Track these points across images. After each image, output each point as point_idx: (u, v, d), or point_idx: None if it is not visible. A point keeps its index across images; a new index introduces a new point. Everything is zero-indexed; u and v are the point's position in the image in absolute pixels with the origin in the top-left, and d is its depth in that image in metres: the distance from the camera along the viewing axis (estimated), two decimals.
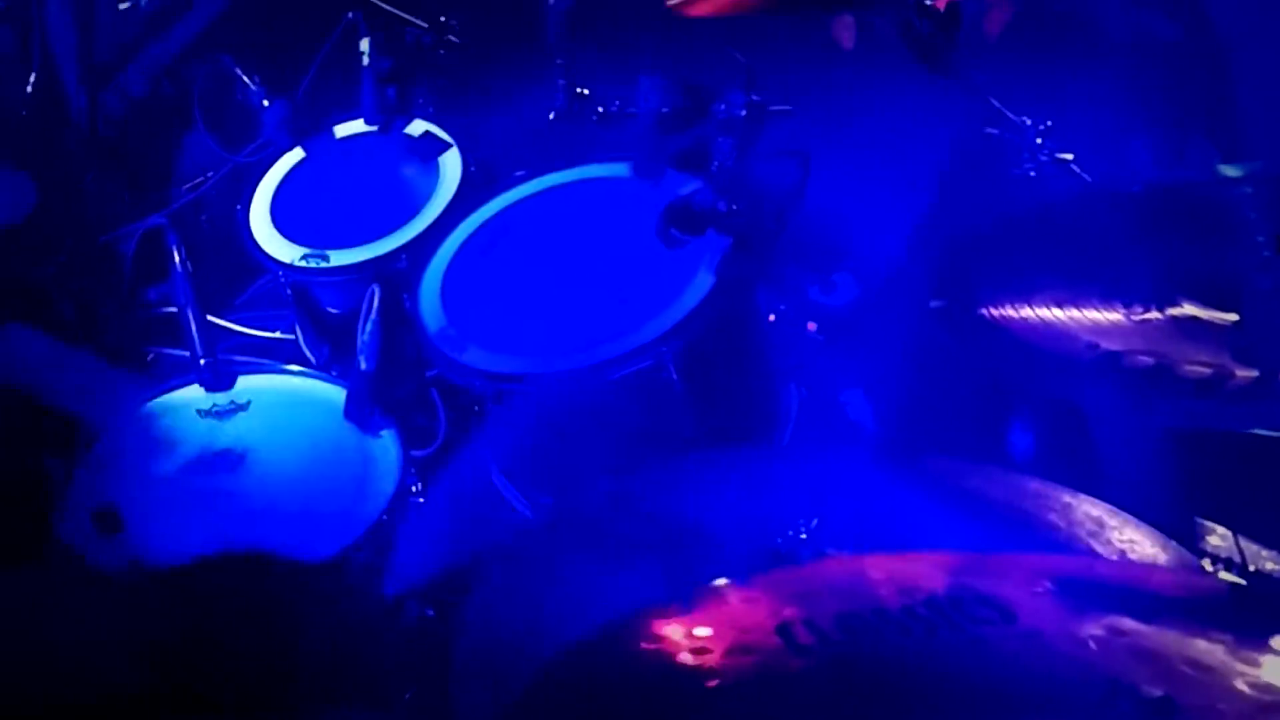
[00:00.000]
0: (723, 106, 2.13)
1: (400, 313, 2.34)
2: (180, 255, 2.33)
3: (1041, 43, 2.61)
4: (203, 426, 2.27)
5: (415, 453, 2.28)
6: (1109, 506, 1.58)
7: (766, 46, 2.15)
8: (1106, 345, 1.47)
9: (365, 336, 2.26)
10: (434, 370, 2.35)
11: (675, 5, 1.97)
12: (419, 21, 2.88)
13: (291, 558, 1.97)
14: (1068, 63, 2.52)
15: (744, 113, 2.10)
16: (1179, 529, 1.49)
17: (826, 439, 2.39)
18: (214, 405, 2.31)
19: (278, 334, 2.81)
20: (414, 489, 2.20)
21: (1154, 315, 1.56)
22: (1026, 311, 1.56)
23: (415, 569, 2.09)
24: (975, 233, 1.72)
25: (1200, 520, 1.66)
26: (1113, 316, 1.56)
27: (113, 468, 2.18)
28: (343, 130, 2.79)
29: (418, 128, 2.76)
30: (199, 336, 2.35)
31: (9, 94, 2.89)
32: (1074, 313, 1.55)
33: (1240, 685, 1.11)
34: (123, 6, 3.20)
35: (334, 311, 2.63)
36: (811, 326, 2.47)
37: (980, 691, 1.17)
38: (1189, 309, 1.55)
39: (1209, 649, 1.16)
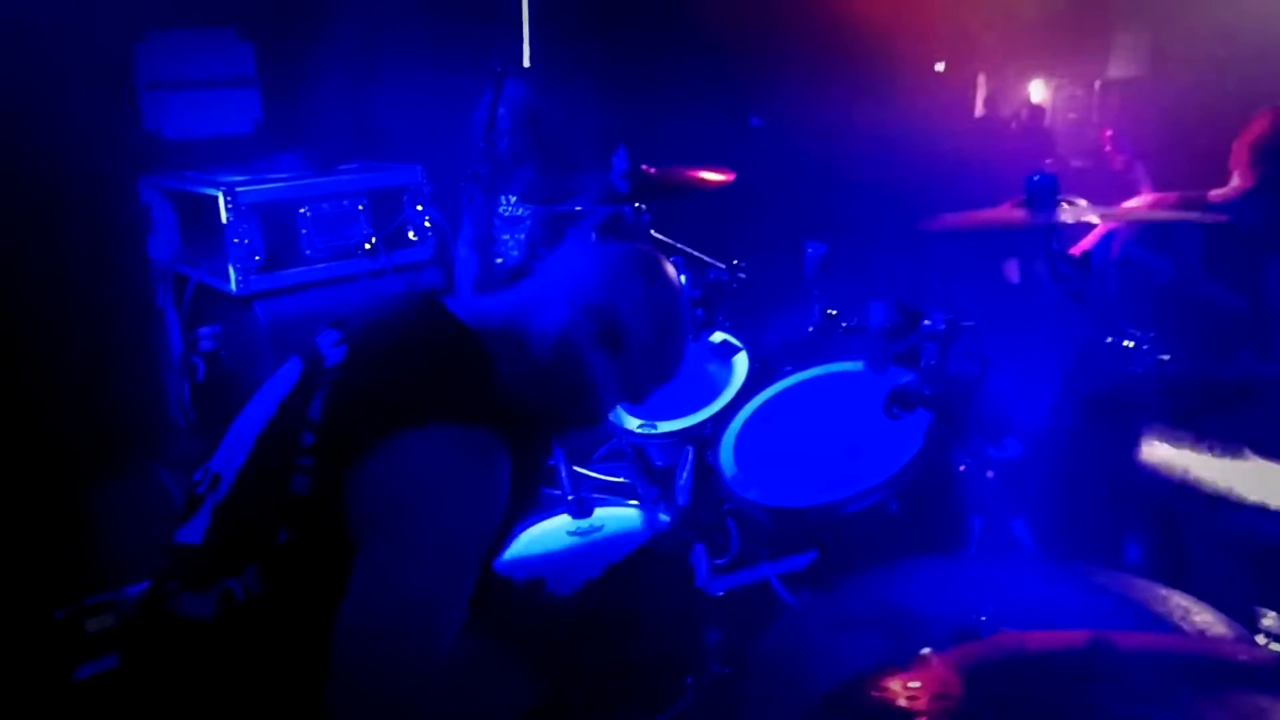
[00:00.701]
0: (928, 322, 2.19)
1: (706, 464, 2.56)
2: None
3: (1145, 295, 2.76)
4: (570, 541, 2.42)
5: (717, 561, 2.38)
6: (1191, 597, 1.66)
7: (959, 281, 2.35)
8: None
9: (682, 481, 2.54)
10: (729, 504, 2.45)
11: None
12: (718, 263, 3.02)
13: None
14: (1163, 304, 2.68)
15: (943, 326, 2.17)
16: (1241, 613, 1.54)
17: (1000, 551, 2.40)
18: (578, 527, 2.47)
19: (622, 479, 2.96)
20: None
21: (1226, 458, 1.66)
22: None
23: None
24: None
25: (1257, 607, 1.62)
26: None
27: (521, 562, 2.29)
28: None
29: (718, 337, 2.96)
30: (567, 480, 2.58)
31: None
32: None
33: None
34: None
35: (659, 464, 2.83)
36: (989, 474, 2.44)
37: None
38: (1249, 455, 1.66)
39: (1261, 696, 1.29)
